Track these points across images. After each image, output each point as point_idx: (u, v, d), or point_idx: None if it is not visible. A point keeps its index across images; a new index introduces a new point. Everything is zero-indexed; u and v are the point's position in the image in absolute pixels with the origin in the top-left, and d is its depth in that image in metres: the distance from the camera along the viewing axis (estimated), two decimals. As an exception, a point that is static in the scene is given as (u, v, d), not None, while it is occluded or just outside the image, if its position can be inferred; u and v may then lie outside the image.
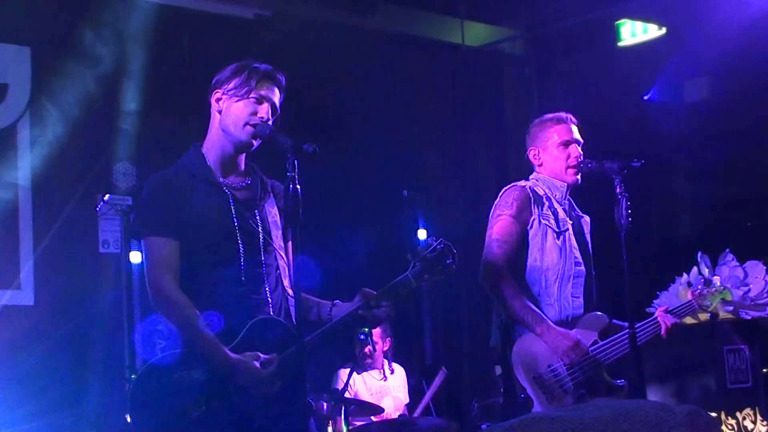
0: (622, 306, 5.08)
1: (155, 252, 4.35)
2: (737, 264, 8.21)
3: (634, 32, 10.22)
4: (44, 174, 8.27)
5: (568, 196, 5.73)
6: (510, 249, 5.49)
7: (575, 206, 5.80)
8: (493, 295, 5.51)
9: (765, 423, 8.02)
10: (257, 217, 4.47)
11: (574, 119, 5.73)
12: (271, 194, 4.57)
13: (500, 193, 5.66)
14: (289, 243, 4.57)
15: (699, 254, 8.26)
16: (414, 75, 10.47)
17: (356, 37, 9.77)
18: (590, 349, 5.45)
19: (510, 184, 5.69)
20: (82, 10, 8.32)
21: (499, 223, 5.52)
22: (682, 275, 8.28)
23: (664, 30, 10.09)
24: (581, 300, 5.58)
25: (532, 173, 5.80)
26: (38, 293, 8.18)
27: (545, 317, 5.41)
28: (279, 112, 4.49)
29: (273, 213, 4.53)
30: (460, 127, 10.54)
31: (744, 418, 7.89)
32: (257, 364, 4.22)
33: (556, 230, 5.57)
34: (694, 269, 8.25)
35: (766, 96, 8.82)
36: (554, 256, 5.54)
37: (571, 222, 5.67)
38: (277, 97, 4.47)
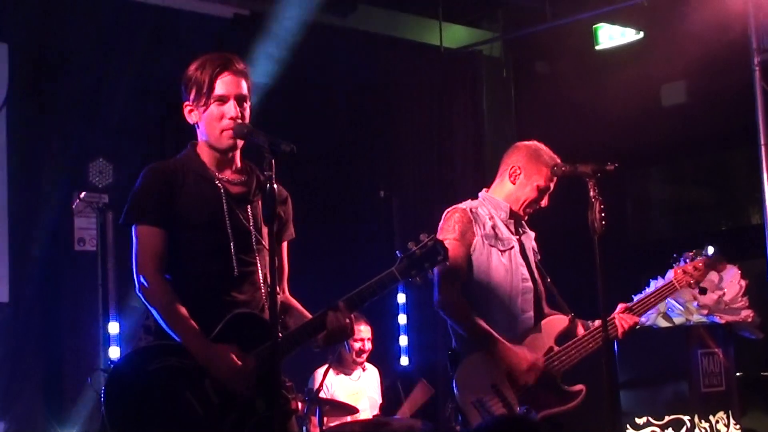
0: (595, 310, 5.10)
1: (142, 240, 4.36)
2: (712, 268, 8.24)
3: (611, 36, 10.26)
4: (20, 170, 8.25)
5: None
6: (458, 271, 5.52)
7: (522, 223, 5.84)
8: (449, 318, 5.55)
9: (738, 426, 8.06)
10: (249, 213, 4.47)
11: None
12: None
13: (443, 216, 5.69)
14: (284, 243, 4.59)
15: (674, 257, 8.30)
16: (392, 76, 10.48)
17: (335, 38, 9.77)
18: (544, 358, 5.53)
19: (452, 206, 5.73)
20: (60, 6, 8.30)
21: None
22: (656, 278, 8.32)
23: (641, 34, 10.13)
24: (531, 314, 5.65)
25: (481, 190, 5.86)
26: (13, 290, 8.15)
27: (499, 337, 5.45)
28: (249, 97, 4.46)
29: None
30: (437, 128, 10.54)
31: (717, 422, 7.92)
32: (235, 357, 4.22)
33: (501, 249, 5.62)
34: (669, 272, 8.29)
35: (743, 100, 8.85)
36: (501, 273, 5.58)
37: (516, 238, 5.71)
38: (239, 85, 4.43)
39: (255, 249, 4.45)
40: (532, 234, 5.88)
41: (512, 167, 5.75)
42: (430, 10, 10.36)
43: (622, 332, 5.63)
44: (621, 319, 5.63)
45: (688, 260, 6.02)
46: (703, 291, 6.55)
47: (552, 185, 5.72)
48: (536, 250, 5.85)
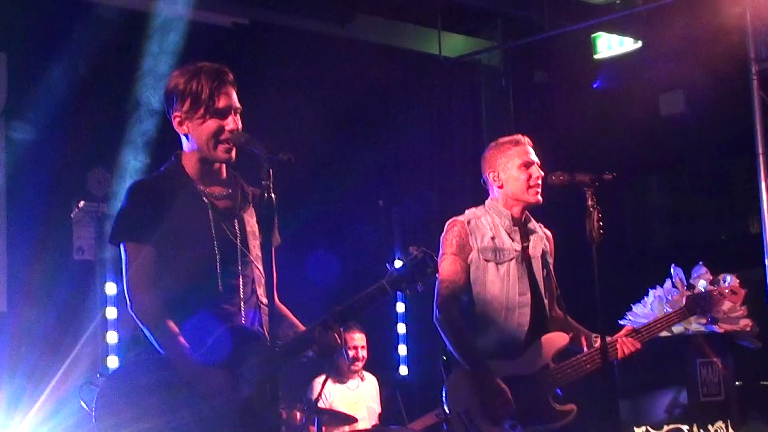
0: (594, 319, 5.09)
1: (132, 259, 4.33)
2: (710, 277, 8.24)
3: (610, 45, 10.27)
4: (19, 180, 8.24)
5: (525, 215, 5.76)
6: (456, 287, 5.55)
7: (535, 225, 5.81)
8: (445, 337, 5.55)
9: (736, 436, 8.06)
10: (235, 227, 4.45)
11: (529, 140, 5.75)
12: (252, 204, 4.55)
13: (445, 227, 5.71)
14: (271, 251, 4.57)
15: (672, 267, 8.29)
16: (391, 85, 10.48)
17: (334, 47, 9.78)
18: (537, 374, 5.50)
19: (452, 218, 5.74)
20: (58, 16, 8.30)
21: (443, 263, 5.56)
22: (655, 287, 8.32)
23: (639, 43, 10.14)
24: (527, 329, 5.59)
25: (487, 199, 5.84)
26: (11, 299, 8.14)
27: (483, 363, 5.44)
28: (240, 106, 4.44)
29: (252, 223, 4.50)
30: (436, 136, 10.55)
31: (716, 431, 7.91)
32: (223, 381, 4.21)
33: (498, 261, 5.60)
34: (668, 281, 8.28)
35: (741, 109, 8.86)
36: (496, 288, 5.58)
37: (523, 245, 5.69)
38: (234, 96, 4.41)
39: (242, 262, 4.44)
40: (548, 234, 5.85)
41: (490, 175, 5.77)
42: (429, 20, 10.37)
43: (622, 356, 5.57)
44: (623, 343, 5.57)
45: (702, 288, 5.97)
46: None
47: (531, 157, 5.68)
48: (550, 252, 5.82)
